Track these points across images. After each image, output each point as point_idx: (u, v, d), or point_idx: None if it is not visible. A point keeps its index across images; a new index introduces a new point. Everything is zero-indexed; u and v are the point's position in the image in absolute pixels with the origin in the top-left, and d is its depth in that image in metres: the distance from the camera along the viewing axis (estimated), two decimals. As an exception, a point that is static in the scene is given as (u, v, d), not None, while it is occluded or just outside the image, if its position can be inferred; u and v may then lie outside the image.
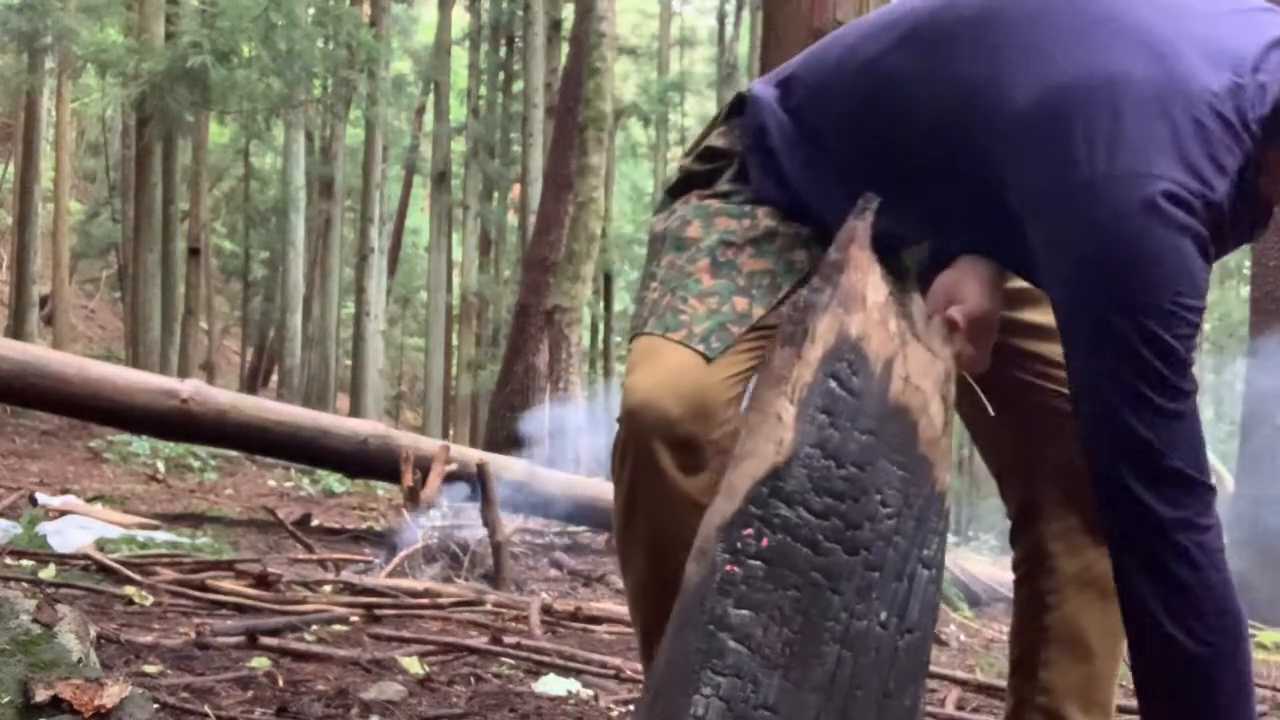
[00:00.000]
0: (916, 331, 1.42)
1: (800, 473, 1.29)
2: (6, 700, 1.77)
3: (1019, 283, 1.68)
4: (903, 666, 1.32)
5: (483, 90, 20.77)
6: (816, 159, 1.63)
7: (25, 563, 4.08)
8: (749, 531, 1.25)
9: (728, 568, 1.24)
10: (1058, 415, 1.67)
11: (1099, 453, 1.44)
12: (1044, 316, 1.70)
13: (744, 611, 1.23)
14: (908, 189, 1.55)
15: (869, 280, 1.38)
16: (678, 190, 1.75)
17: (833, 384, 1.33)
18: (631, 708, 2.64)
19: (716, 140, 1.74)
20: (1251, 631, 1.52)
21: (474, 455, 6.58)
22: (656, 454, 1.54)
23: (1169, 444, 1.39)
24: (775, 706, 1.22)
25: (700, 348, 1.57)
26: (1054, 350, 1.67)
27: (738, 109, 1.73)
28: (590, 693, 2.80)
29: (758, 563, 1.25)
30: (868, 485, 1.33)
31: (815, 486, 1.29)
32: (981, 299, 1.56)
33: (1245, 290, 13.67)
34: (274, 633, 3.12)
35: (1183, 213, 1.35)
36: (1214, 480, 1.46)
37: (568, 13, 16.34)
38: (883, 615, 1.31)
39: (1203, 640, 1.41)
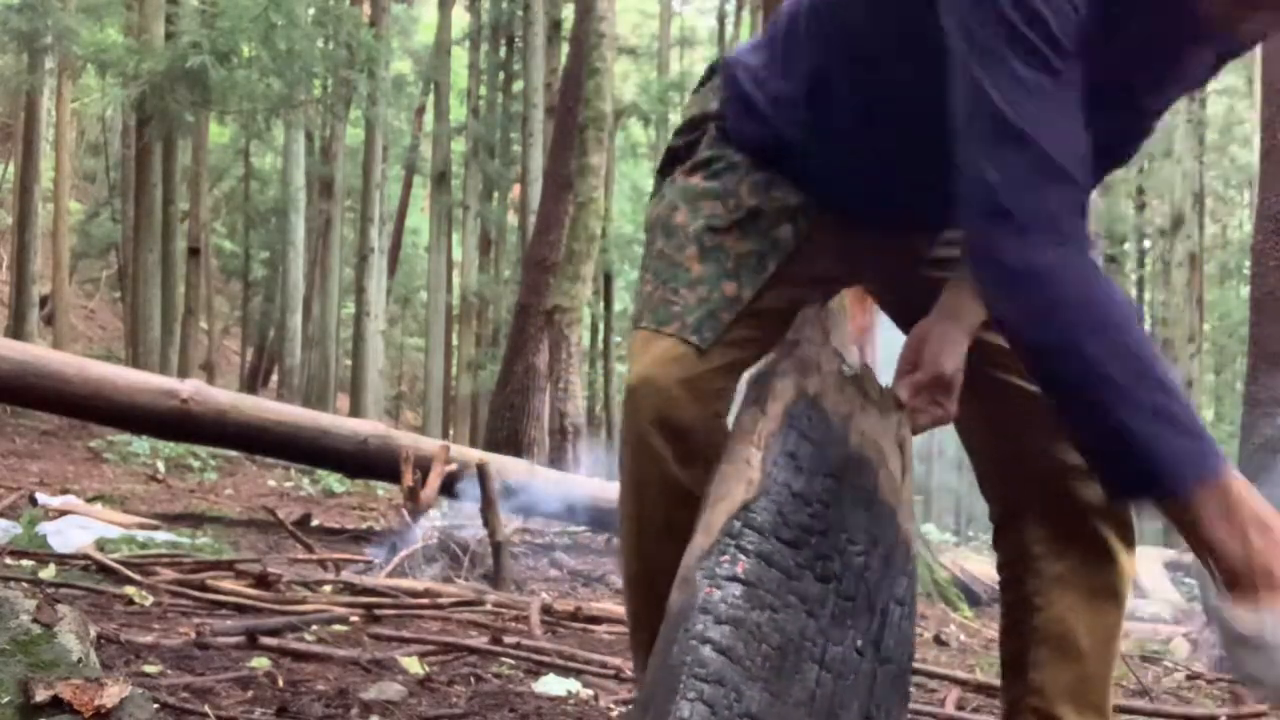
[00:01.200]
0: (871, 397, 1.53)
1: (770, 506, 1.38)
2: (6, 700, 1.77)
3: None
4: (882, 693, 1.39)
5: (483, 90, 20.80)
6: (786, 90, 1.68)
7: (25, 563, 4.08)
8: (725, 558, 1.34)
9: (707, 590, 1.32)
10: (1031, 409, 1.66)
11: (960, 121, 1.37)
12: None
13: (724, 626, 1.30)
14: (873, 70, 1.58)
15: (823, 353, 1.50)
16: (665, 169, 1.81)
17: (795, 433, 1.43)
18: (630, 708, 2.64)
19: (693, 109, 1.80)
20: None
21: (474, 455, 6.58)
22: (652, 439, 1.59)
23: (1029, 119, 1.31)
24: (759, 716, 1.27)
25: (693, 339, 1.63)
26: None
27: (711, 75, 1.80)
28: (590, 693, 2.81)
29: (735, 584, 1.33)
30: (834, 522, 1.42)
31: (785, 520, 1.38)
32: (940, 363, 1.62)
33: (1245, 290, 13.68)
34: (274, 633, 3.11)
35: None
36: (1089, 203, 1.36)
37: (568, 13, 16.34)
38: (859, 643, 1.39)
39: (1048, 328, 1.30)
